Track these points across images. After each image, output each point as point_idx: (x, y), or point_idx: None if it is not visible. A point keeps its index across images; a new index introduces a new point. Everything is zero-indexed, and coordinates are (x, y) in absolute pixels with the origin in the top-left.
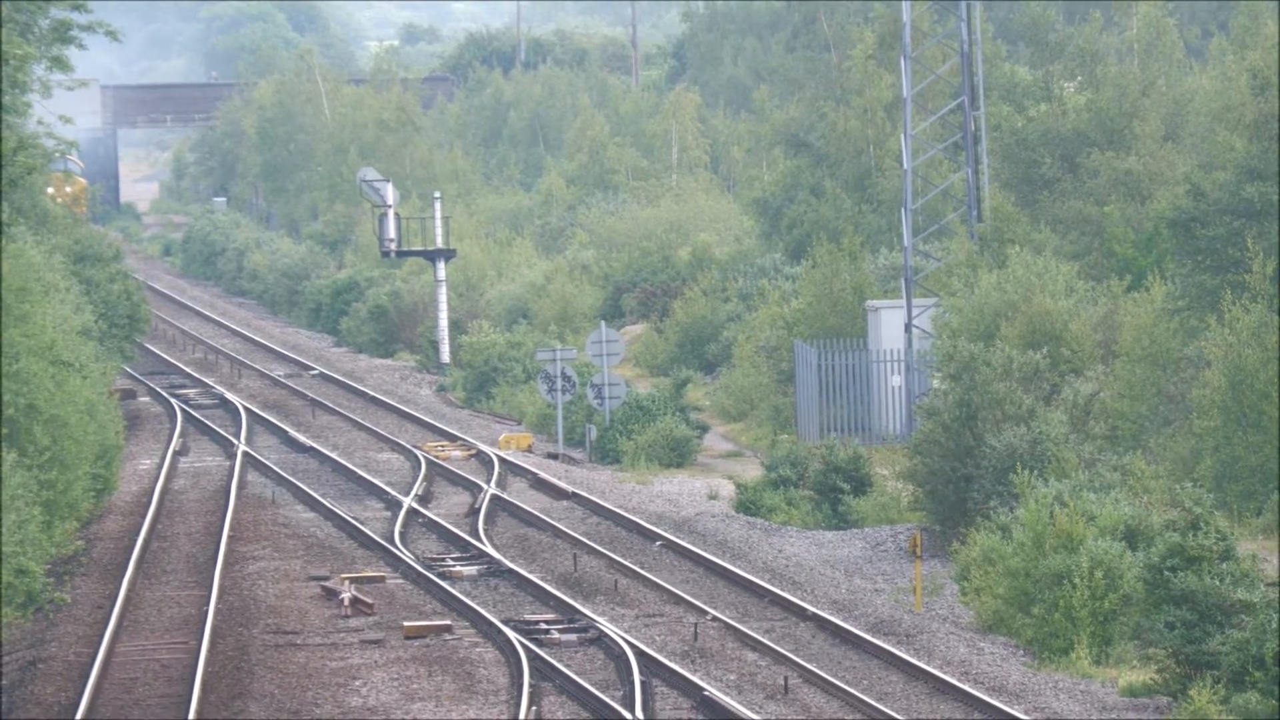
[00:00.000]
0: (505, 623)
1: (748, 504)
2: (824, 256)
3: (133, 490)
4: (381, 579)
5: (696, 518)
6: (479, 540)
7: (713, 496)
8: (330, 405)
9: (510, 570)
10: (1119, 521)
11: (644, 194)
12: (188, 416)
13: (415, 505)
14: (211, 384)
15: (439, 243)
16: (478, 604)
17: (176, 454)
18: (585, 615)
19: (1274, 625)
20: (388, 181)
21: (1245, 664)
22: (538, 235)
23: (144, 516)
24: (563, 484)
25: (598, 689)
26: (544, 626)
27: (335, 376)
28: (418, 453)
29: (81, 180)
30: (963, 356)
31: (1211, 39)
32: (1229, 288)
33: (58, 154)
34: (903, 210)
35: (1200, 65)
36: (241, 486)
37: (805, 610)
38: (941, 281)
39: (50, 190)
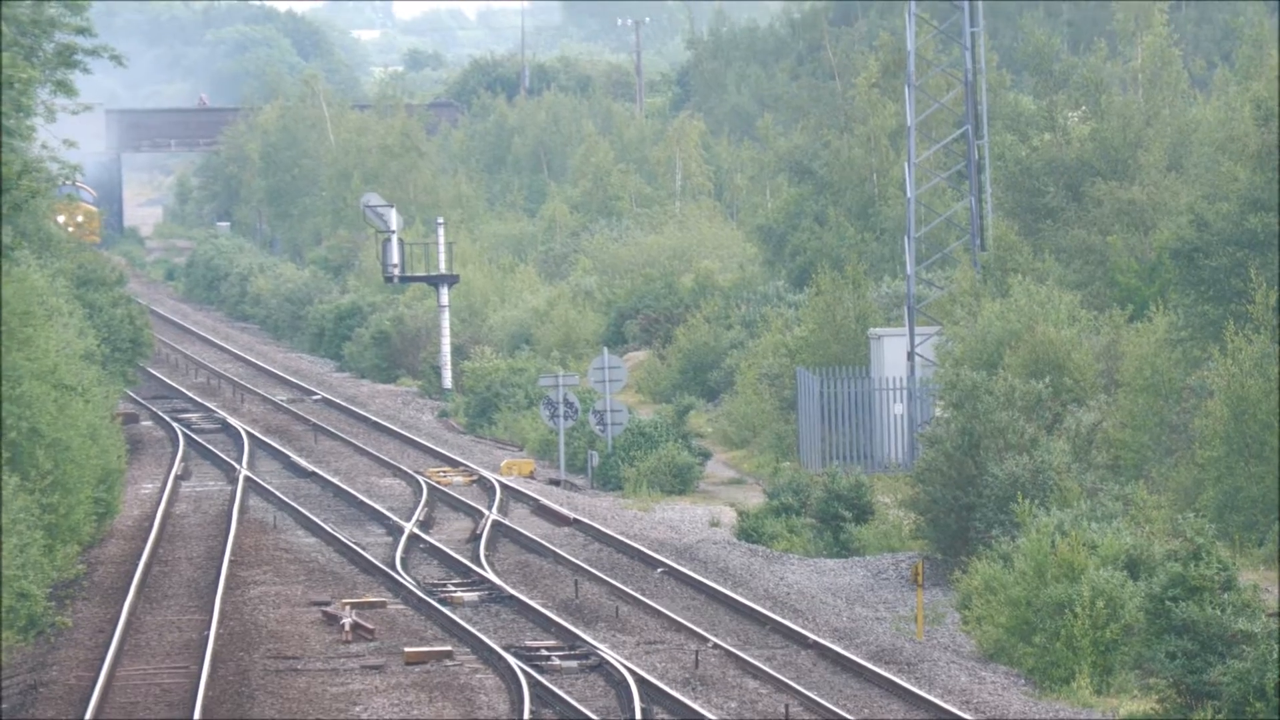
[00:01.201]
0: (506, 649)
1: (749, 531)
2: (827, 284)
3: (134, 514)
4: (383, 604)
5: (698, 545)
6: (480, 566)
7: (714, 524)
8: (332, 430)
9: (511, 596)
10: (1121, 551)
11: (647, 221)
12: (190, 441)
13: (417, 531)
14: (214, 409)
15: (442, 268)
16: (479, 630)
17: (178, 478)
18: (586, 642)
19: (1275, 656)
20: (391, 207)
21: (1246, 694)
22: (541, 261)
23: (145, 541)
24: (564, 510)
25: (599, 716)
26: (545, 653)
27: (337, 402)
28: (419, 478)
29: (92, 208)
30: (965, 385)
31: (1216, 70)
32: (1232, 318)
33: (62, 179)
34: (906, 238)
35: (1204, 96)
36: (243, 511)
37: (806, 638)
38: (944, 310)
39: (61, 219)
